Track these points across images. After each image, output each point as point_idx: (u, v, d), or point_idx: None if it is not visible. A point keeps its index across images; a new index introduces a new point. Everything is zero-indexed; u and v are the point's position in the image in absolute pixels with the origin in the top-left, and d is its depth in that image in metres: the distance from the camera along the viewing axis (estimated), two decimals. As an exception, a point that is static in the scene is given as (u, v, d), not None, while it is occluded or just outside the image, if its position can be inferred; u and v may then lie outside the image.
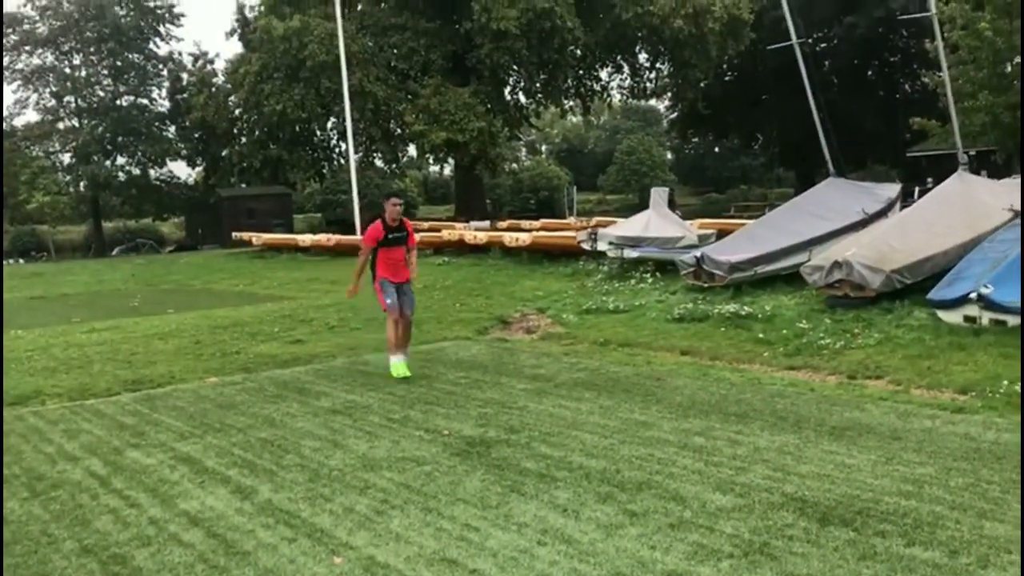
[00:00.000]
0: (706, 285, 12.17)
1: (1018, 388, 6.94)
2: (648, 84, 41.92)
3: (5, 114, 40.56)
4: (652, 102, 60.72)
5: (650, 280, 13.64)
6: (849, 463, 5.37)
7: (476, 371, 8.80)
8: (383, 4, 35.82)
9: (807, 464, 5.38)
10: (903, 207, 13.96)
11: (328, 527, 4.61)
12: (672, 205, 18.34)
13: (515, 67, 34.31)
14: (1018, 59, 23.67)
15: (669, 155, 72.97)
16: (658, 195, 17.66)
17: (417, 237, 9.78)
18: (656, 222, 16.62)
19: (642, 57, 39.48)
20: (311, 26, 31.48)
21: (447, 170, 59.45)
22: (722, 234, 16.20)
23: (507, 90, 37.92)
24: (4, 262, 33.76)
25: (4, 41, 38.53)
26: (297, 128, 35.51)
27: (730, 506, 4.69)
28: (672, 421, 6.56)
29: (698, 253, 12.52)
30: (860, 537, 4.20)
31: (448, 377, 8.55)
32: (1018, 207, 11.54)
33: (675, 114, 51.49)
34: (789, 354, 8.95)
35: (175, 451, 6.23)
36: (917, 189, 18.03)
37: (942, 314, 9.26)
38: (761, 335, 9.62)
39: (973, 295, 8.93)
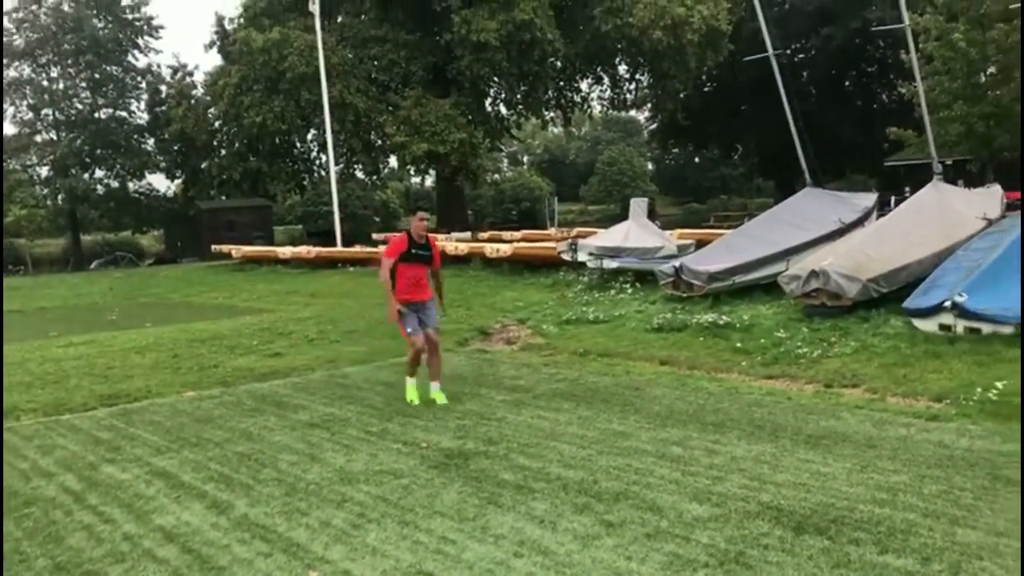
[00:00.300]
0: (685, 295, 12.22)
1: (991, 396, 7.01)
2: (628, 95, 42.19)
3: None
4: (632, 113, 61.01)
5: (630, 290, 13.68)
6: (825, 471, 5.40)
7: (455, 383, 8.78)
8: (363, 16, 35.86)
9: (783, 473, 5.41)
10: (879, 216, 14.09)
11: (304, 541, 4.59)
12: (652, 215, 18.44)
13: (495, 78, 34.43)
14: (991, 69, 24.02)
15: (650, 165, 73.28)
16: (637, 205, 17.75)
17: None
18: (636, 232, 16.69)
19: (622, 68, 39.74)
20: (291, 38, 31.48)
21: (428, 181, 59.48)
22: (701, 244, 16.28)
23: (488, 101, 38.03)
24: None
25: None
26: (277, 140, 35.47)
27: (706, 515, 4.71)
28: (650, 431, 6.58)
29: (677, 263, 12.57)
30: (834, 545, 4.22)
31: (428, 389, 8.53)
32: (991, 216, 11.69)
33: (655, 125, 51.85)
34: (767, 363, 9.00)
35: (151, 466, 6.19)
36: (893, 198, 18.21)
37: (917, 322, 9.34)
38: (739, 344, 9.67)
39: (948, 303, 9.01)
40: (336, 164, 32.13)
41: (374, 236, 28.21)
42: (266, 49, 31.35)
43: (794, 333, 9.78)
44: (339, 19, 36.72)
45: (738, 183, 66.42)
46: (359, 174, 40.33)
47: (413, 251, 7.81)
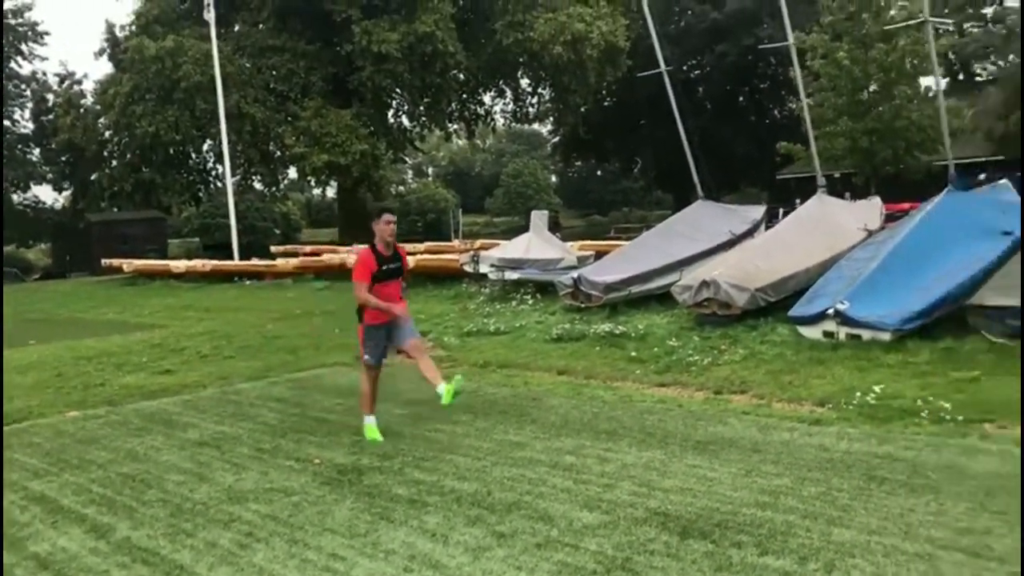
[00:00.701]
0: (583, 305, 12.38)
1: (869, 399, 7.33)
2: (531, 109, 42.66)
3: None
4: (535, 126, 61.74)
5: (531, 302, 13.80)
6: (711, 476, 5.54)
7: (353, 398, 8.63)
8: (260, 26, 35.23)
9: (672, 479, 5.53)
10: (768, 227, 14.59)
11: (188, 563, 4.47)
12: (556, 227, 18.65)
13: (398, 90, 34.31)
14: (873, 87, 25.21)
15: (554, 178, 74.15)
16: (538, 218, 17.92)
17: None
18: (537, 244, 16.84)
19: (524, 82, 40.15)
20: (185, 46, 30.70)
21: (331, 193, 58.73)
22: (600, 255, 16.54)
23: (390, 113, 37.88)
24: None
25: None
26: (171, 150, 34.46)
27: (596, 523, 4.77)
28: (545, 441, 6.64)
29: (576, 274, 12.74)
30: (718, 549, 4.34)
31: (323, 404, 8.42)
32: (871, 227, 12.24)
33: (558, 138, 52.48)
34: (660, 371, 9.18)
35: (27, 490, 5.92)
36: (781, 210, 18.88)
37: (803, 330, 9.70)
38: (634, 353, 9.85)
39: (831, 311, 9.39)
40: (233, 175, 31.43)
41: (272, 249, 27.64)
42: (159, 57, 30.49)
43: (686, 341, 10.02)
44: (236, 28, 36.00)
45: (638, 196, 67.78)
46: (257, 185, 39.52)
47: (384, 268, 6.83)
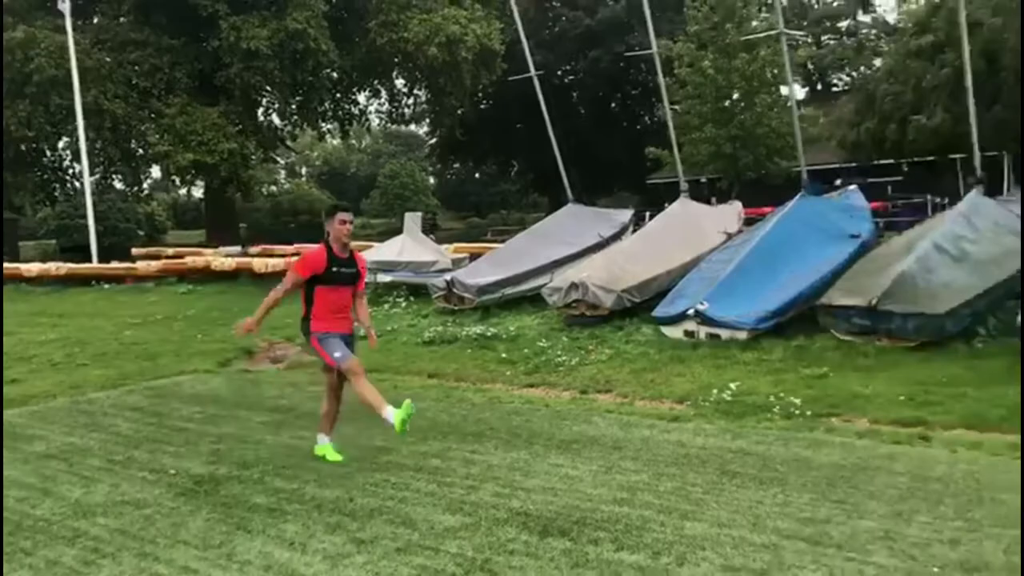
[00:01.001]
0: (456, 308, 12.41)
1: (726, 396, 7.63)
2: (406, 109, 42.35)
3: None
4: (412, 127, 61.41)
5: (404, 304, 13.72)
6: (573, 475, 5.64)
7: (213, 405, 8.41)
8: (121, 19, 33.66)
9: (535, 479, 5.60)
10: (635, 231, 14.98)
11: (25, 585, 4.22)
12: (434, 229, 18.58)
13: (268, 88, 33.38)
14: (736, 95, 26.21)
15: (432, 180, 73.88)
16: (412, 220, 17.82)
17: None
18: (410, 247, 16.73)
19: (399, 83, 39.80)
20: (38, 38, 28.98)
21: (198, 193, 56.78)
22: (476, 258, 16.59)
23: (260, 111, 36.85)
24: None
25: None
26: (23, 148, 32.47)
27: (458, 525, 4.78)
28: (411, 445, 6.59)
29: (448, 277, 12.75)
30: (576, 546, 4.42)
31: (182, 413, 8.11)
32: (731, 230, 12.74)
33: (434, 139, 52.34)
34: (529, 372, 9.30)
35: None
36: (648, 214, 19.43)
37: (665, 330, 10.01)
38: (504, 355, 9.94)
39: (691, 311, 9.72)
40: (92, 174, 29.94)
41: (133, 251, 26.44)
42: (9, 49, 28.69)
43: (555, 343, 10.19)
44: (95, 20, 34.27)
45: (516, 198, 68.33)
46: (119, 185, 37.74)
47: (335, 268, 6.03)
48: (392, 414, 5.82)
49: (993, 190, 14.55)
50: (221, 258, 19.74)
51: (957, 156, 21.52)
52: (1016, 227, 11.04)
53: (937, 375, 7.95)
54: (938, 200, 21.71)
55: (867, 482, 5.34)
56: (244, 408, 8.28)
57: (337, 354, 6.08)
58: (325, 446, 6.32)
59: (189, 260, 20.05)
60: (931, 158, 22.78)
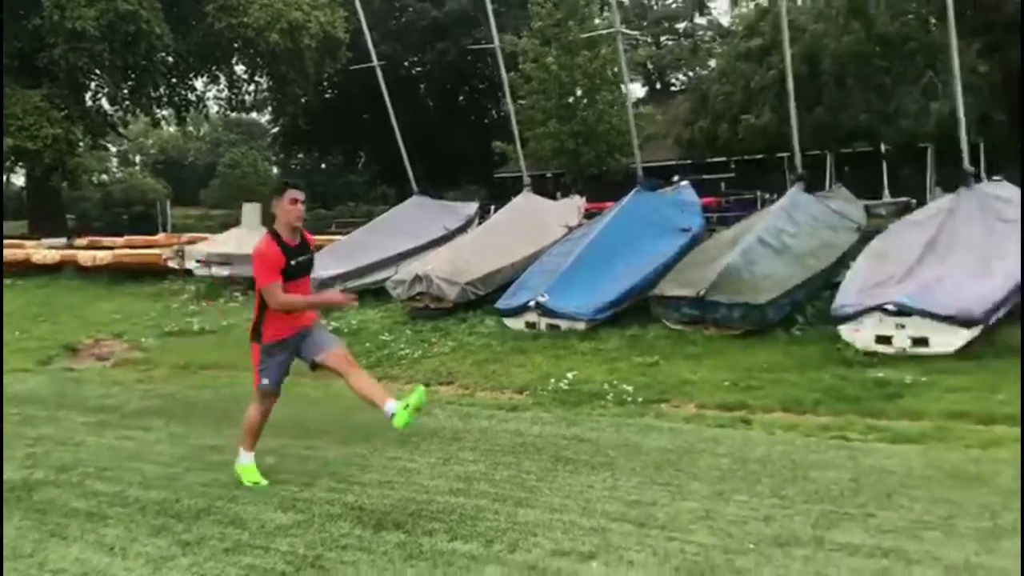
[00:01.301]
0: (296, 302, 12.11)
1: (563, 385, 7.84)
2: (247, 97, 40.94)
3: None
4: (254, 115, 59.43)
5: (241, 299, 13.32)
6: (411, 467, 5.64)
7: (31, 406, 7.90)
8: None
9: (372, 473, 5.56)
10: (480, 223, 15.11)
11: None
12: (273, 220, 18.01)
13: (96, 71, 31.51)
14: (579, 92, 26.84)
15: (276, 170, 71.83)
16: (251, 211, 17.28)
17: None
18: (249, 239, 16.16)
19: (239, 69, 38.43)
20: None
21: (20, 181, 52.97)
22: (318, 250, 16.27)
23: (88, 95, 34.73)
24: None
25: None
26: None
27: (289, 523, 4.68)
28: (245, 443, 6.41)
29: (288, 269, 12.42)
30: (410, 538, 4.41)
31: (-6, 415, 7.57)
32: (571, 223, 13.05)
33: (277, 128, 50.96)
34: (371, 365, 9.21)
35: None
36: (492, 207, 19.64)
37: (508, 321, 10.16)
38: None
39: (532, 303, 9.91)
40: None
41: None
42: None
43: (399, 335, 10.16)
44: None
45: (364, 190, 67.47)
46: (-76, 171, 34.77)
47: (292, 263, 5.28)
48: (250, 467, 5.34)
49: (817, 187, 15.57)
50: (44, 250, 18.48)
51: (784, 155, 22.86)
52: (832, 222, 11.86)
53: (759, 361, 8.43)
54: (767, 196, 22.96)
55: (691, 464, 5.60)
56: (65, 408, 7.82)
57: (265, 380, 5.47)
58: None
59: (8, 252, 18.67)
60: (760, 156, 24.02)
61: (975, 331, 7.89)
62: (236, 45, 34.00)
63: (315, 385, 8.70)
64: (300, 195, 5.30)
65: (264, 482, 5.38)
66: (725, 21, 43.69)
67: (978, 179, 12.34)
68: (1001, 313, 8.18)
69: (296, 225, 5.29)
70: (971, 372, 7.51)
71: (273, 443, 6.36)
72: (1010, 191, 10.63)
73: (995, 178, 12.47)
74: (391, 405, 4.97)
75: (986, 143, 21.44)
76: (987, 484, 4.99)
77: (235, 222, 20.32)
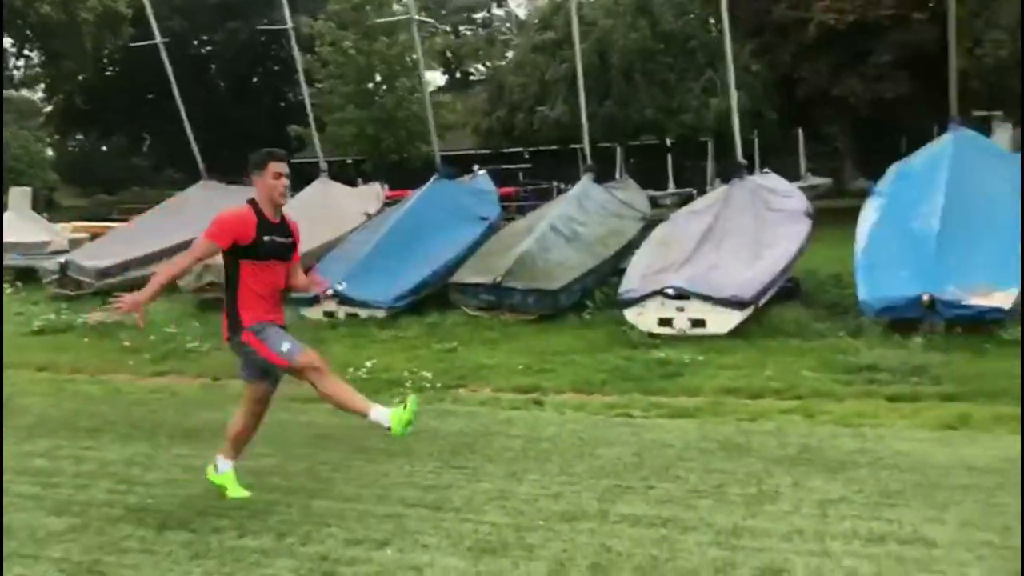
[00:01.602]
0: (74, 293, 11.36)
1: (362, 374, 7.79)
2: (16, 72, 37.66)
3: None
4: (24, 92, 54.63)
5: (10, 290, 12.29)
6: (197, 465, 5.38)
7: None
8: None
9: (156, 472, 5.32)
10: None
11: None
12: (50, 207, 16.79)
13: None
14: (379, 77, 26.58)
15: (50, 152, 66.36)
16: (19, 196, 15.95)
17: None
18: (18, 226, 14.95)
19: (6, 42, 35.25)
20: None
21: None
22: (97, 238, 15.26)
23: None
24: None
25: None
26: None
27: (64, 528, 4.40)
28: (13, 446, 5.91)
29: (63, 259, 11.63)
30: (197, 537, 4.25)
31: None
32: (371, 211, 12.97)
33: (50, 107, 47.16)
34: (156, 360, 8.80)
35: None
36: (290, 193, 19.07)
37: (305, 311, 9.97)
38: (128, 343, 9.27)
39: (330, 291, 9.74)
40: None
41: None
42: None
43: (187, 327, 9.73)
44: None
45: (150, 174, 63.66)
46: None
47: (266, 237, 4.45)
48: (386, 415, 4.42)
49: (607, 178, 16.27)
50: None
51: (577, 146, 23.71)
52: (620, 211, 12.46)
53: (552, 345, 8.74)
54: (563, 186, 23.76)
55: (486, 447, 5.73)
56: None
57: (285, 346, 4.49)
58: (226, 474, 4.83)
59: None
60: (555, 147, 24.78)
61: (747, 312, 8.55)
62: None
63: (93, 381, 8.25)
64: (285, 168, 4.54)
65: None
66: (522, 13, 44.79)
67: (751, 171, 13.38)
68: (769, 295, 8.92)
69: (280, 202, 4.56)
70: (742, 351, 8.14)
71: (44, 444, 5.98)
72: (777, 182, 11.59)
73: (764, 170, 13.56)
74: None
75: (760, 138, 23.33)
76: (754, 454, 5.42)
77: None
